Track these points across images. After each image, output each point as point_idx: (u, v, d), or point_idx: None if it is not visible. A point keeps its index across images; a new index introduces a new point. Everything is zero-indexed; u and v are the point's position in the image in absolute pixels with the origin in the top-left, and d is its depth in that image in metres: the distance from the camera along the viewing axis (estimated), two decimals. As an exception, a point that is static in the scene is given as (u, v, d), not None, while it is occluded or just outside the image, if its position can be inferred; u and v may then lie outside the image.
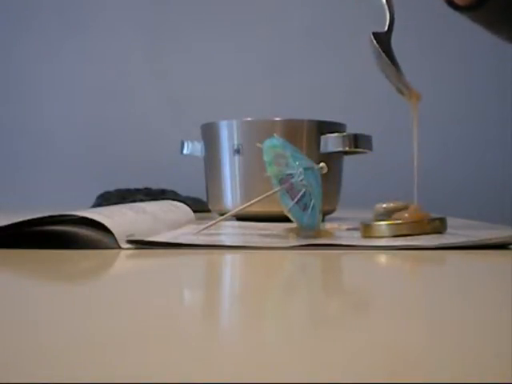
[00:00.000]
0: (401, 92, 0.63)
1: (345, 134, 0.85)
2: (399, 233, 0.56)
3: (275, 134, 0.60)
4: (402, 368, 0.19)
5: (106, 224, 0.48)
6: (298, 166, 0.57)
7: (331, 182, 0.85)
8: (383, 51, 0.61)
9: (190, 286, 0.37)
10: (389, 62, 0.61)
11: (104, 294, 0.33)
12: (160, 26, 1.66)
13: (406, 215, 0.58)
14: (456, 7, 0.74)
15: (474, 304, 0.30)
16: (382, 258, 0.49)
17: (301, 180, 0.57)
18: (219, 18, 1.66)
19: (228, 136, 0.85)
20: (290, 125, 0.85)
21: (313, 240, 0.52)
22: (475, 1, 0.72)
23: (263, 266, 0.45)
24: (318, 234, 0.57)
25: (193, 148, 0.93)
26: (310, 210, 0.56)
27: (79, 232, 0.50)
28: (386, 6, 0.64)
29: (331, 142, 0.84)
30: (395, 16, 0.64)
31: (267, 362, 0.19)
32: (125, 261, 0.47)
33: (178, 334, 0.23)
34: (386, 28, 0.63)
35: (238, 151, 0.84)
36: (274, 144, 0.59)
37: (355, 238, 0.55)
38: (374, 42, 0.62)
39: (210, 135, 0.89)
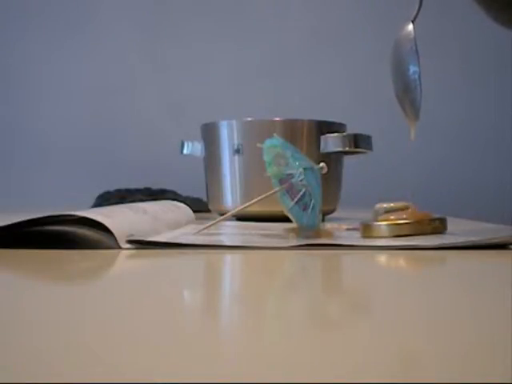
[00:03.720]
0: (402, 106, 0.58)
1: (345, 134, 0.85)
2: (399, 233, 0.56)
3: (275, 134, 0.60)
4: (402, 368, 0.19)
5: (106, 224, 0.48)
6: (298, 166, 0.57)
7: (331, 181, 0.85)
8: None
9: (190, 286, 0.37)
10: (416, 59, 0.55)
11: (104, 294, 0.33)
12: (160, 26, 1.66)
13: (392, 217, 0.58)
14: None
15: (474, 304, 0.30)
16: (382, 257, 0.49)
17: (301, 180, 0.57)
18: (220, 17, 1.66)
19: (228, 136, 0.85)
20: (290, 125, 0.85)
21: (313, 240, 0.52)
22: None
23: (263, 265, 0.45)
24: (318, 234, 0.57)
25: (193, 148, 0.93)
26: (310, 209, 0.56)
27: (79, 232, 0.50)
28: None
29: (331, 142, 0.84)
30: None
31: (267, 361, 0.19)
32: (125, 261, 0.47)
33: (178, 334, 0.23)
34: (413, 18, 0.56)
35: (238, 151, 0.84)
36: (274, 144, 0.59)
37: (355, 238, 0.55)
38: (412, 32, 0.54)
39: (210, 135, 0.89)
